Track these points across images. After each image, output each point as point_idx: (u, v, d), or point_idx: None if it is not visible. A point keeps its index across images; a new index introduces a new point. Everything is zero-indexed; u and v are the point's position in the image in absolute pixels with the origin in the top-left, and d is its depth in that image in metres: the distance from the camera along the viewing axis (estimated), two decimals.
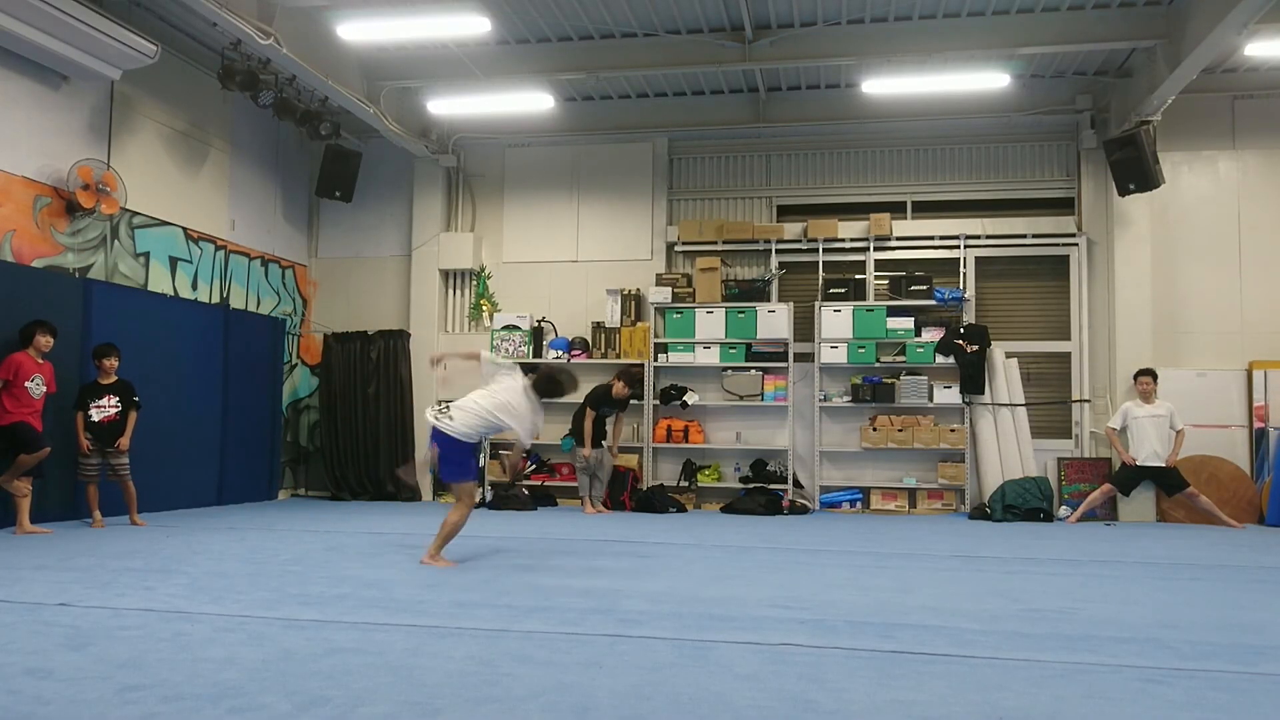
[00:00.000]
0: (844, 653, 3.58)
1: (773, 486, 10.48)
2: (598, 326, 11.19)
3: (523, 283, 11.66)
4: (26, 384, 7.29)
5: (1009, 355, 10.56)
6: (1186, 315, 10.38)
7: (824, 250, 11.00)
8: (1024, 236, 10.74)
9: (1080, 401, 10.46)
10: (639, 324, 11.08)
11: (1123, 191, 9.87)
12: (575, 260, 11.58)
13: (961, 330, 10.47)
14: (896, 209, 11.10)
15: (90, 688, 2.94)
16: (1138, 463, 9.35)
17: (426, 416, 5.87)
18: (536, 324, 11.38)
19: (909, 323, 10.57)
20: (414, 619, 4.08)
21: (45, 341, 7.45)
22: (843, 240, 10.98)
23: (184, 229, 9.95)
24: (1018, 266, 10.90)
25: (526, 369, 6.22)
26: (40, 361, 7.43)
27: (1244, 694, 3.11)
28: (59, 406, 7.70)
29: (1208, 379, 10.13)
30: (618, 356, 10.98)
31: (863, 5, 9.02)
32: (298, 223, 11.90)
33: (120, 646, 3.49)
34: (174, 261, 9.82)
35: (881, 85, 9.96)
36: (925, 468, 10.56)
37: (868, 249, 10.98)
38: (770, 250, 11.11)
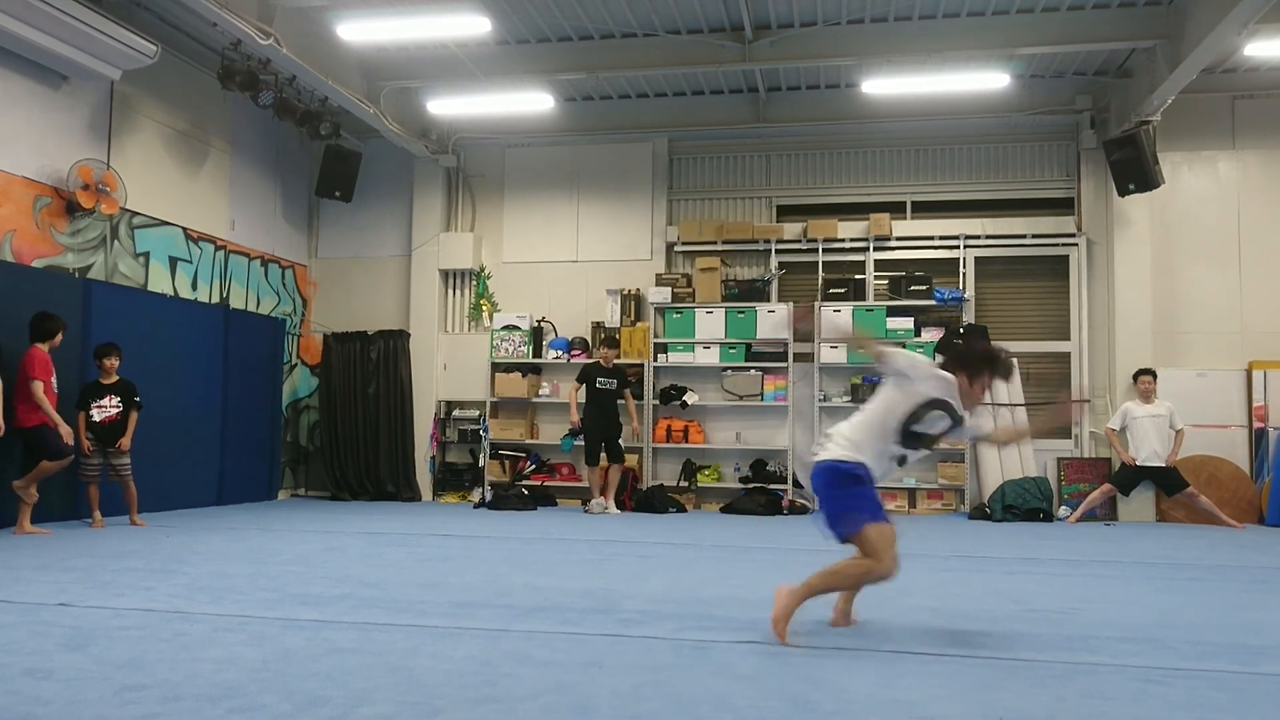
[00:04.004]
0: (844, 653, 3.58)
1: (772, 486, 10.48)
2: (598, 326, 11.19)
3: (523, 283, 11.66)
4: (51, 380, 7.24)
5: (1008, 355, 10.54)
6: (1186, 315, 10.38)
7: (824, 250, 11.00)
8: (1024, 236, 10.73)
9: (1080, 402, 10.45)
10: (639, 324, 11.08)
11: (1123, 191, 9.87)
12: (575, 260, 11.57)
13: (961, 330, 10.46)
14: (896, 209, 11.10)
15: (90, 688, 2.94)
16: (1138, 463, 9.34)
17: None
18: (536, 324, 11.38)
19: (909, 323, 10.56)
20: (414, 619, 4.08)
21: (60, 340, 7.42)
22: (842, 240, 10.98)
23: (184, 229, 9.95)
24: (1017, 267, 10.90)
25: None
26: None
27: (1244, 694, 3.11)
28: (59, 406, 7.67)
29: (1208, 379, 10.13)
30: (618, 357, 10.96)
31: (863, 5, 9.02)
32: (298, 223, 11.90)
33: (120, 646, 3.49)
34: (174, 261, 9.82)
35: (881, 85, 9.96)
36: (925, 468, 10.55)
37: (867, 249, 10.98)
38: (770, 250, 11.11)
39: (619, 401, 10.15)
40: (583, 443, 10.11)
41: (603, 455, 9.95)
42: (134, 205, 9.18)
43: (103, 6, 8.11)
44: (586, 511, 9.87)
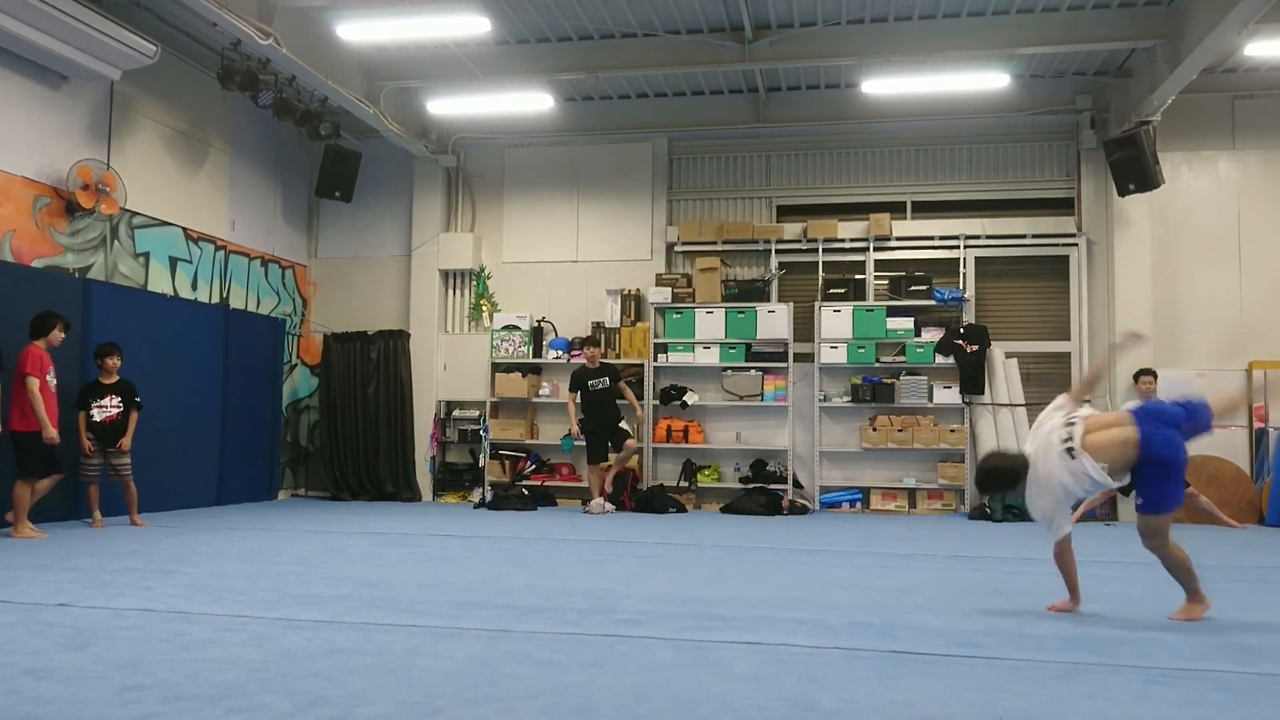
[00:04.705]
0: (844, 653, 3.58)
1: (773, 486, 10.47)
2: (598, 326, 11.18)
3: (523, 283, 11.66)
4: (48, 378, 7.13)
5: (1009, 355, 10.56)
6: (1186, 315, 10.38)
7: (824, 250, 11.00)
8: (1024, 236, 10.73)
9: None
10: (639, 324, 11.08)
11: (1123, 191, 9.87)
12: (575, 260, 11.57)
13: (961, 330, 10.47)
14: (896, 209, 11.10)
15: (90, 688, 2.94)
16: None
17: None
18: (536, 324, 11.38)
19: (909, 323, 10.57)
20: (414, 619, 4.08)
21: (59, 336, 7.30)
22: (842, 240, 10.98)
23: (184, 229, 9.95)
24: (1017, 266, 10.90)
25: None
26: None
27: (1244, 694, 3.11)
28: (59, 405, 7.65)
29: (1208, 379, 10.12)
30: (618, 356, 10.98)
31: (863, 5, 9.02)
32: (297, 223, 11.90)
33: (120, 646, 3.49)
34: (174, 262, 9.82)
35: (881, 85, 9.96)
36: (925, 468, 10.56)
37: (867, 249, 10.98)
38: (770, 250, 11.11)
39: (619, 400, 10.14)
40: (583, 443, 10.12)
41: (610, 455, 10.00)
42: (134, 205, 9.18)
43: (103, 6, 8.11)
44: (586, 511, 9.87)
